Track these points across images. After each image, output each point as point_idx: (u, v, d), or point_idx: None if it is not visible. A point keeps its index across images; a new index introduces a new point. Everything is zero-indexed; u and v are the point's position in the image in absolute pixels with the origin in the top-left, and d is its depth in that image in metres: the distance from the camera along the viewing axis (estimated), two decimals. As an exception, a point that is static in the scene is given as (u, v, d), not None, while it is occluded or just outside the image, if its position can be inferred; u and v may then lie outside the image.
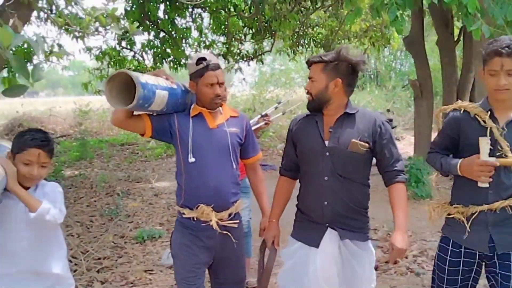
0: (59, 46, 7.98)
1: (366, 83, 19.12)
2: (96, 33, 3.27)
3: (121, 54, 9.02)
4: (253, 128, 3.29)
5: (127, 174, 8.47)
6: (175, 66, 8.65)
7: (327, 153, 2.21)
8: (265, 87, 17.77)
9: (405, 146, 10.54)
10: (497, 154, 2.03)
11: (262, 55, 10.65)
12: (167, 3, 7.71)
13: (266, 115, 3.77)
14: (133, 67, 9.22)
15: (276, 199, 2.51)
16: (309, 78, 2.29)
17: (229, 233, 2.44)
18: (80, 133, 11.93)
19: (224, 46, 9.75)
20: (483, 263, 2.19)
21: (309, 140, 2.29)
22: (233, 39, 9.59)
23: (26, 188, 2.06)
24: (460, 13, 4.21)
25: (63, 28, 7.23)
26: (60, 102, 18.46)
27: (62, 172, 7.93)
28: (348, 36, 11.03)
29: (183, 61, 8.54)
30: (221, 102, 2.45)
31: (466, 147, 2.12)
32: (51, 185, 2.21)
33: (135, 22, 7.64)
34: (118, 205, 6.20)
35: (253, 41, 9.92)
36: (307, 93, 2.29)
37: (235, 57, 10.10)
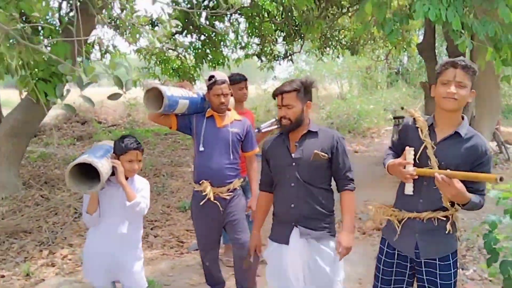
0: (114, 46, 9.25)
1: (397, 81, 19.36)
2: (157, 49, 4.36)
3: (166, 55, 9.97)
4: (265, 129, 3.97)
5: (170, 159, 9.40)
6: (214, 65, 9.59)
7: (293, 163, 2.53)
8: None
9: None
10: (428, 167, 2.17)
11: (292, 55, 11.61)
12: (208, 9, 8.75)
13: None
14: (176, 66, 10.25)
15: (257, 212, 2.84)
16: (284, 106, 2.51)
17: (227, 200, 3.16)
18: (129, 123, 12.89)
19: (258, 47, 10.81)
20: (414, 268, 2.32)
21: (279, 155, 2.62)
22: (266, 41, 10.57)
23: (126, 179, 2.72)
24: (447, 29, 5.02)
25: (119, 33, 8.43)
26: (107, 93, 19.45)
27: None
28: (374, 38, 11.76)
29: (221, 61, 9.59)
30: (226, 108, 3.20)
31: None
32: (143, 181, 2.86)
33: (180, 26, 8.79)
34: (164, 184, 7.34)
35: (284, 42, 10.89)
36: (283, 118, 2.54)
37: (268, 56, 11.11)
